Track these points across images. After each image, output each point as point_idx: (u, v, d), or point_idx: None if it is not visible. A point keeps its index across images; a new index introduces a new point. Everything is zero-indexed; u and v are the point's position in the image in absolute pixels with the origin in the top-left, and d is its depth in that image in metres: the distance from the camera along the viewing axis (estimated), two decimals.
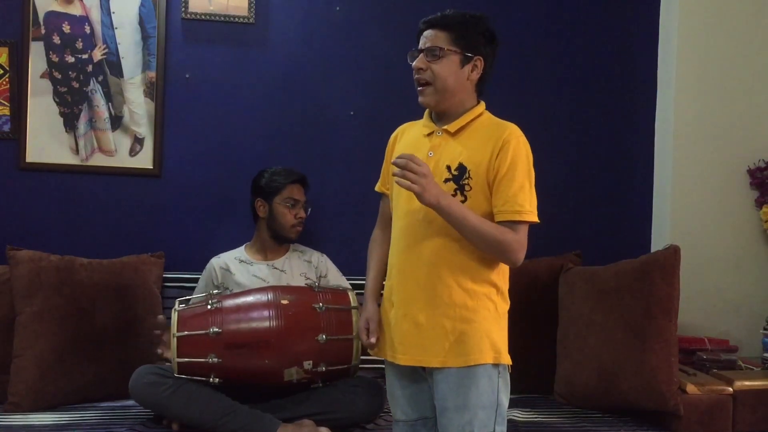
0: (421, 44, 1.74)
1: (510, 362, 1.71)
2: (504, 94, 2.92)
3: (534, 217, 1.67)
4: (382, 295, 1.84)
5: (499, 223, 1.66)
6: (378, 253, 1.88)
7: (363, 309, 1.86)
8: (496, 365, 1.68)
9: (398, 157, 1.60)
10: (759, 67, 2.87)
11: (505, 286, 1.74)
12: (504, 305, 1.74)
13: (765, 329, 2.65)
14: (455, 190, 1.67)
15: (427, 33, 1.73)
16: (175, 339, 2.05)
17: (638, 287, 2.34)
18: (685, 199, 2.85)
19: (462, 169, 1.68)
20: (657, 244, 2.91)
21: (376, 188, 1.92)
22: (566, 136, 2.97)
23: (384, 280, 1.85)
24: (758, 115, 2.87)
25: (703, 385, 2.36)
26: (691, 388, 2.32)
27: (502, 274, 1.73)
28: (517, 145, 1.67)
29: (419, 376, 1.75)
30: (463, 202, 1.66)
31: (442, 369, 1.67)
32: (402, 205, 1.74)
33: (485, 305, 1.68)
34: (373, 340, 1.79)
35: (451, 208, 1.61)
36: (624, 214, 2.98)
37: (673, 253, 2.33)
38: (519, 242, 1.64)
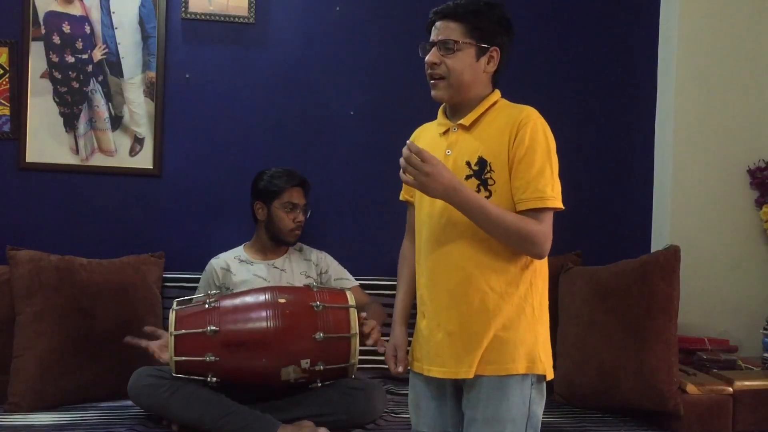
0: (433, 36, 1.62)
1: (545, 372, 1.60)
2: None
3: (557, 203, 1.56)
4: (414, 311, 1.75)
5: (521, 212, 1.55)
6: (407, 270, 1.76)
7: (391, 334, 1.76)
8: (528, 375, 1.57)
9: (406, 148, 1.49)
10: (759, 67, 2.87)
11: (543, 285, 1.63)
12: (541, 308, 1.62)
13: (765, 329, 2.65)
14: (478, 185, 1.57)
15: (439, 24, 1.62)
16: (173, 338, 2.05)
17: (638, 287, 2.34)
18: (685, 199, 2.85)
19: (482, 162, 1.57)
20: (657, 244, 2.91)
21: (401, 197, 1.80)
22: (566, 136, 2.91)
23: (414, 299, 1.74)
24: (758, 115, 2.87)
25: (703, 385, 2.36)
26: (691, 388, 2.32)
27: (539, 273, 1.62)
28: (534, 127, 1.57)
29: (446, 389, 1.67)
30: (488, 197, 1.56)
31: (473, 378, 1.58)
32: (425, 209, 1.65)
33: (521, 309, 1.58)
34: (401, 369, 1.70)
35: (465, 201, 1.50)
36: (624, 214, 2.98)
37: (673, 253, 2.33)
38: (543, 233, 1.54)
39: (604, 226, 2.97)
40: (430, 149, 1.59)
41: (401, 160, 1.51)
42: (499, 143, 1.58)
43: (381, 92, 2.83)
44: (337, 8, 2.83)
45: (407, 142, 1.53)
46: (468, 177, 1.59)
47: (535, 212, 1.54)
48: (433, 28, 1.64)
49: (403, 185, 1.76)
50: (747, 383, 2.37)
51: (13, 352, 2.31)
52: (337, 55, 2.84)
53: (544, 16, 2.94)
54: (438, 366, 1.62)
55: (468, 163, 1.59)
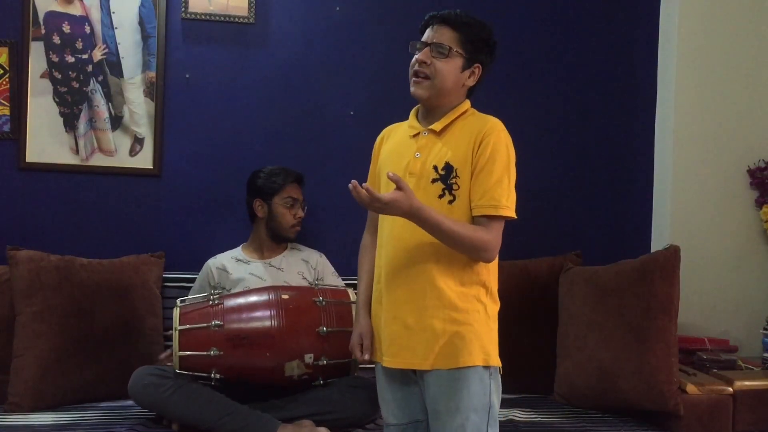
0: (428, 38, 1.71)
1: (500, 364, 1.69)
2: (504, 94, 2.94)
3: (510, 213, 1.66)
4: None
5: (476, 217, 1.65)
6: (369, 261, 1.84)
7: (355, 323, 1.83)
8: (486, 367, 1.65)
9: (363, 187, 1.53)
10: (759, 67, 2.87)
11: (494, 286, 1.72)
12: (494, 306, 1.72)
13: (765, 329, 2.65)
14: (443, 189, 1.66)
15: (437, 28, 1.70)
16: (177, 332, 2.06)
17: (638, 287, 2.34)
18: (685, 199, 2.85)
19: (449, 168, 1.67)
20: (657, 244, 2.91)
21: None
22: (566, 136, 2.97)
23: None
24: (758, 115, 2.87)
25: (703, 385, 2.36)
26: (691, 388, 2.32)
27: (491, 275, 1.71)
28: (497, 139, 1.66)
29: (410, 379, 1.73)
30: (451, 201, 1.66)
31: (432, 371, 1.65)
32: None
33: (475, 307, 1.66)
34: (366, 357, 1.76)
35: (423, 221, 1.58)
36: (624, 214, 2.98)
37: (673, 253, 2.33)
38: (492, 242, 1.64)
39: (604, 226, 2.97)
40: (400, 150, 1.73)
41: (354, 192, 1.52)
42: (465, 151, 1.67)
43: (381, 92, 2.83)
44: (337, 8, 2.83)
45: (351, 188, 1.52)
46: (435, 180, 1.68)
47: (488, 219, 1.65)
48: (429, 29, 1.73)
49: (368, 178, 1.87)
50: (747, 383, 2.37)
51: (13, 352, 2.31)
52: (337, 55, 2.84)
53: (545, 16, 2.94)
54: (391, 356, 1.69)
55: (435, 168, 1.68)
